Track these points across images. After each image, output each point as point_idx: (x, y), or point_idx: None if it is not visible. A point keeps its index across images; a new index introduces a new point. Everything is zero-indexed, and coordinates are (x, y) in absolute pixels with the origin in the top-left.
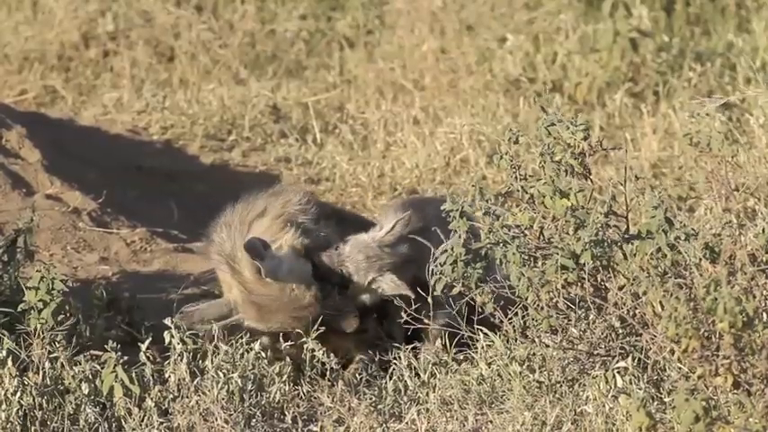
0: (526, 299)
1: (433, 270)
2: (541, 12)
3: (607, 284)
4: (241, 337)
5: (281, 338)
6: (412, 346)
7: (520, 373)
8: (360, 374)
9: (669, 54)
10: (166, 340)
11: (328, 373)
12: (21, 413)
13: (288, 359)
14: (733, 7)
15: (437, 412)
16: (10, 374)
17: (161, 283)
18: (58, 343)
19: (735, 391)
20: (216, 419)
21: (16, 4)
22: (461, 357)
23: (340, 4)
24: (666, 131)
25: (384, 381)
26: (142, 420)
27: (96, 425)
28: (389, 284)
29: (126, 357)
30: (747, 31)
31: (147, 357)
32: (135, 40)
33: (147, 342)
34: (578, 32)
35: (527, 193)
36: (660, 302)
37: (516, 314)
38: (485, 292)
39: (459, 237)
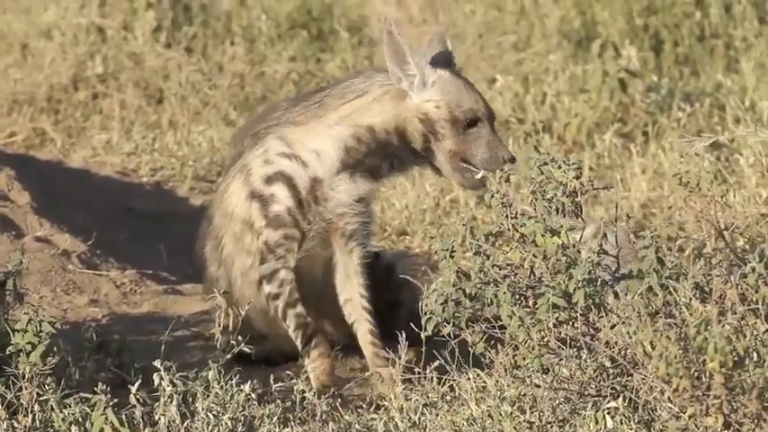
0: (517, 338)
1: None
2: (530, 53)
3: (598, 324)
4: (231, 379)
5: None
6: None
7: (510, 413)
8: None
9: (658, 94)
10: (156, 382)
11: (319, 415)
12: None
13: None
14: (722, 48)
15: None
16: None
17: (151, 325)
18: (48, 386)
19: (725, 431)
20: None
21: (6, 47)
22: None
23: (329, 45)
24: (656, 171)
25: (375, 422)
26: None
27: None
28: None
29: (116, 399)
30: (736, 71)
31: (137, 399)
32: (124, 82)
33: (136, 384)
34: (567, 73)
35: (518, 231)
36: (651, 342)
37: (507, 354)
38: (476, 332)
39: (450, 277)
